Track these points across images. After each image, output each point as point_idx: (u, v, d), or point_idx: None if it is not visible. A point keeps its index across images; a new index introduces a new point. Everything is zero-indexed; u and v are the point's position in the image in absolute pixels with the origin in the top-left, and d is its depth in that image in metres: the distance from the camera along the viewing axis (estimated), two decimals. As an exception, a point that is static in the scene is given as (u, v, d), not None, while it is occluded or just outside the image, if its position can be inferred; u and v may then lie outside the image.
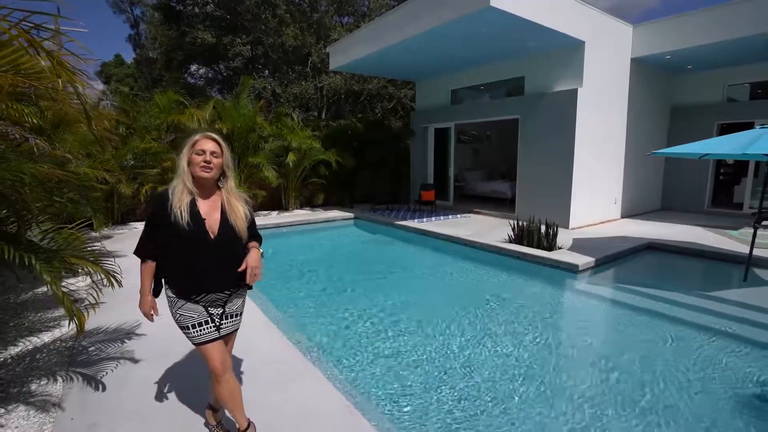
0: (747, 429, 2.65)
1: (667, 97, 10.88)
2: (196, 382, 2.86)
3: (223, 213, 1.98)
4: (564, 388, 3.12)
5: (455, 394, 3.01)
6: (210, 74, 18.79)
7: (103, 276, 2.90)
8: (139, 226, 8.87)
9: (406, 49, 8.78)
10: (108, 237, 7.69)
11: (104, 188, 7.03)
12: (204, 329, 1.99)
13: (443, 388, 3.08)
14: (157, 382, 2.86)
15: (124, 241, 7.41)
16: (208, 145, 1.91)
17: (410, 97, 17.21)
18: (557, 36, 7.69)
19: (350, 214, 10.93)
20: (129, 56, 29.29)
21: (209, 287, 1.97)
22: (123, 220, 9.16)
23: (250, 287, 2.09)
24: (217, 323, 2.03)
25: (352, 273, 6.46)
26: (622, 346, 3.91)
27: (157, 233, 1.96)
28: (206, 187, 1.98)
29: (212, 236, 1.94)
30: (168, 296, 2.04)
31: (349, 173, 12.12)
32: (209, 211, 1.97)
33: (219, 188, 2.03)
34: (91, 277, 2.81)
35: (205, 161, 1.89)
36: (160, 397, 2.69)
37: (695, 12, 8.38)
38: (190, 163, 1.91)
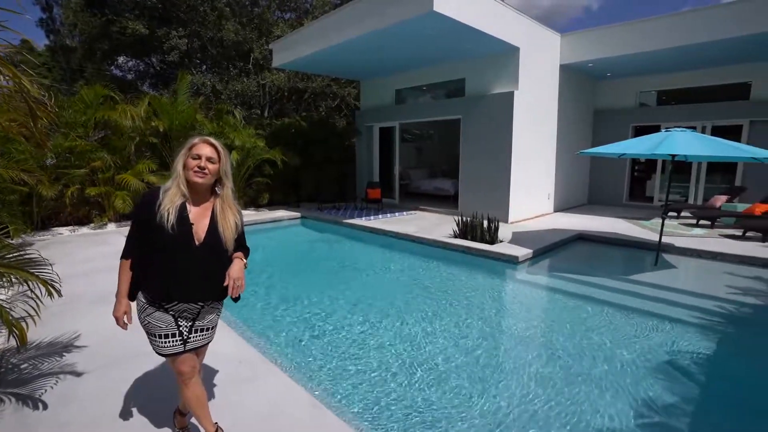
0: (661, 392, 3.07)
1: (590, 101, 11.98)
2: (151, 390, 2.77)
3: (212, 220, 1.93)
4: (508, 363, 3.41)
5: (414, 382, 3.17)
6: (141, 67, 17.44)
7: (40, 285, 2.70)
8: (65, 232, 8.14)
9: (351, 48, 8.85)
10: (29, 244, 6.96)
11: (23, 190, 6.39)
12: (170, 341, 1.93)
13: (401, 376, 3.24)
14: (107, 394, 2.72)
15: (49, 248, 6.76)
16: (205, 150, 1.87)
17: (354, 96, 17.27)
18: (495, 41, 8.18)
19: (297, 214, 10.81)
20: (41, 42, 26.34)
21: (183, 296, 1.91)
22: (44, 225, 8.33)
23: (237, 299, 2.01)
24: (185, 337, 1.97)
25: (304, 272, 6.45)
26: (559, 325, 4.31)
27: (141, 232, 1.89)
28: (199, 193, 1.93)
29: (197, 243, 1.88)
30: (139, 300, 1.97)
31: (294, 172, 11.96)
32: (198, 216, 1.91)
33: (214, 194, 1.97)
34: (29, 287, 2.60)
35: (199, 166, 1.84)
36: (113, 408, 2.57)
37: (614, 26, 9.33)
38: (185, 166, 1.87)
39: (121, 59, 17.12)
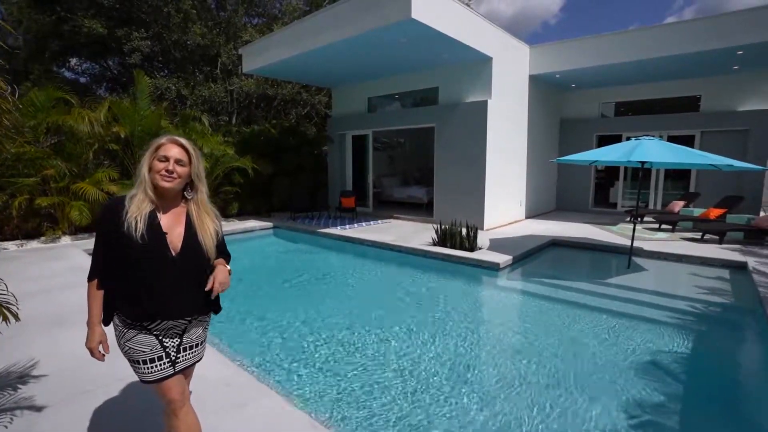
0: (646, 390, 3.12)
1: (557, 111, 12.43)
2: (127, 423, 2.47)
3: (188, 227, 1.74)
4: (504, 362, 3.36)
5: (415, 398, 3.03)
6: (96, 70, 16.40)
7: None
8: (11, 247, 7.42)
9: (325, 55, 8.71)
10: (-31, 261, 6.27)
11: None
12: (157, 366, 1.71)
13: (401, 391, 3.09)
14: (75, 430, 2.39)
15: (-7, 264, 6.11)
16: (173, 151, 1.67)
17: (324, 104, 17.09)
18: (469, 50, 8.30)
19: (269, 224, 10.45)
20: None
21: (166, 313, 1.70)
22: (-15, 239, 7.56)
23: (217, 311, 1.86)
24: (173, 358, 1.75)
25: (281, 285, 6.16)
26: (547, 330, 4.30)
27: (108, 246, 1.66)
28: (169, 198, 1.73)
29: (173, 253, 1.69)
30: (115, 324, 1.73)
31: (265, 181, 11.59)
32: (171, 224, 1.71)
33: (185, 199, 1.78)
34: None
35: (167, 170, 1.65)
36: (83, 446, 2.26)
37: (579, 39, 9.74)
38: (151, 169, 1.67)
39: (74, 61, 16.04)
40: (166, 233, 1.68)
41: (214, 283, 1.72)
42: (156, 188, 1.67)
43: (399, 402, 2.95)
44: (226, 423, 2.43)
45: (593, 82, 11.31)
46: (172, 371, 1.75)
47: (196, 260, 1.74)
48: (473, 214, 9.14)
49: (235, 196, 11.05)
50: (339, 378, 3.29)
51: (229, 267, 1.86)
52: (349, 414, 2.80)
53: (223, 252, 1.88)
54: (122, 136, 8.57)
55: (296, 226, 9.98)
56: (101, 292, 1.71)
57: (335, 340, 4.04)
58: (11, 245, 7.48)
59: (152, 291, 1.66)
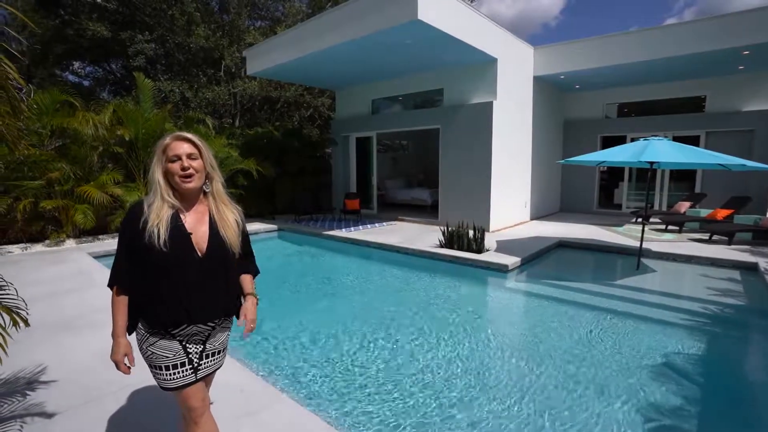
0: (662, 392, 3.08)
1: (561, 112, 12.39)
2: (141, 429, 2.41)
3: (211, 225, 1.69)
4: (519, 364, 3.30)
5: (439, 402, 2.98)
6: (99, 74, 16.42)
7: (4, 314, 2.31)
8: (15, 250, 7.38)
9: (330, 56, 8.68)
10: (-27, 265, 6.22)
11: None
12: (179, 372, 1.65)
13: (421, 398, 3.03)
14: (87, 438, 2.34)
15: (-2, 268, 6.06)
16: (182, 148, 1.61)
17: (327, 106, 17.08)
18: (474, 52, 8.27)
19: (274, 226, 10.41)
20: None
21: (192, 317, 1.64)
22: (-11, 243, 7.51)
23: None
24: (195, 364, 1.70)
25: (289, 287, 6.11)
26: (558, 331, 4.25)
27: (132, 251, 1.61)
28: (191, 198, 1.69)
29: (200, 254, 1.63)
30: (138, 329, 1.68)
31: (269, 183, 11.55)
32: (195, 224, 1.66)
33: (204, 194, 1.72)
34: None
35: (182, 168, 1.60)
36: (97, 455, 2.21)
37: (584, 40, 9.71)
38: (166, 173, 1.61)
39: (76, 64, 16.05)
40: (191, 233, 1.64)
41: (245, 318, 1.77)
42: (179, 192, 1.64)
43: (416, 404, 2.90)
44: (243, 429, 2.38)
45: (597, 83, 11.27)
46: (193, 378, 1.69)
47: (223, 260, 1.70)
48: (479, 215, 9.08)
49: (239, 199, 11.00)
50: (358, 384, 3.24)
51: (257, 297, 1.87)
52: (367, 420, 2.75)
53: (248, 253, 1.86)
54: (127, 138, 8.54)
55: (301, 229, 9.93)
56: (125, 299, 1.66)
57: (350, 341, 3.98)
58: (15, 248, 7.43)
59: (178, 296, 1.61)
